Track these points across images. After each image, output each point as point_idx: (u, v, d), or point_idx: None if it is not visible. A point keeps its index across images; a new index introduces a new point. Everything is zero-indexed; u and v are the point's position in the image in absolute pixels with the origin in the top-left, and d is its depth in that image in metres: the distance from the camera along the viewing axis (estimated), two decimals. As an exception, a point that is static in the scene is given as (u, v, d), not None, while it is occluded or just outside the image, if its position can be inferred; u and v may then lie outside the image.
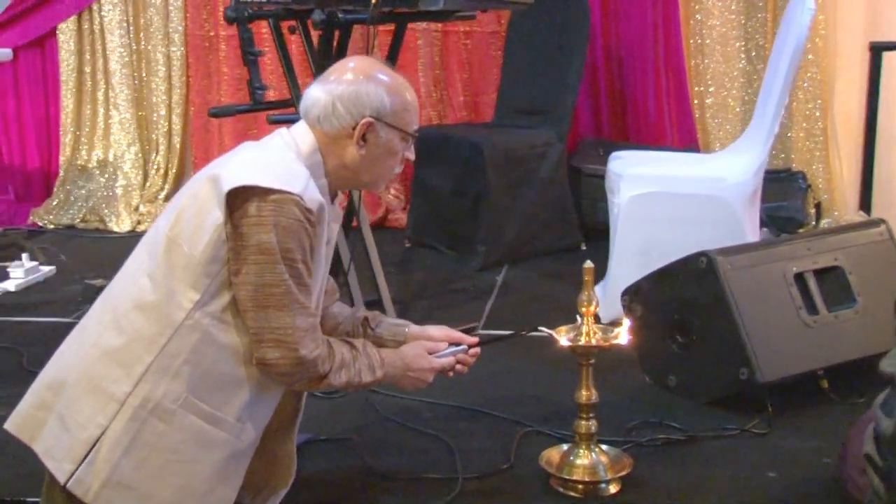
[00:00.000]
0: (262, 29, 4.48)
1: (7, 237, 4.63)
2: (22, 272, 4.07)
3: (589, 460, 2.43)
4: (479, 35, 5.17)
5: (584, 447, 2.45)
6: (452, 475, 2.49)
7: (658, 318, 3.00)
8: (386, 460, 2.58)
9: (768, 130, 3.51)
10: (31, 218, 5.14)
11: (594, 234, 4.53)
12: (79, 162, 5.31)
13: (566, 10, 4.65)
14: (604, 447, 2.49)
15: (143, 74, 5.32)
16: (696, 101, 5.11)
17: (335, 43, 3.20)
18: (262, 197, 1.89)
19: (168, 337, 1.92)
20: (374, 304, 3.44)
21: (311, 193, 1.95)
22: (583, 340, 2.38)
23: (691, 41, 5.07)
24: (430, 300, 3.98)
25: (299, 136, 2.05)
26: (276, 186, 1.90)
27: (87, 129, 5.33)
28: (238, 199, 1.90)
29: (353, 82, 2.03)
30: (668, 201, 3.51)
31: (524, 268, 4.34)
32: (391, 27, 3.47)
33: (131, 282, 1.99)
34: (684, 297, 2.92)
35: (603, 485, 2.42)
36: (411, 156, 2.15)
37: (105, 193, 5.22)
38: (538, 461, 2.49)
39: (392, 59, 3.43)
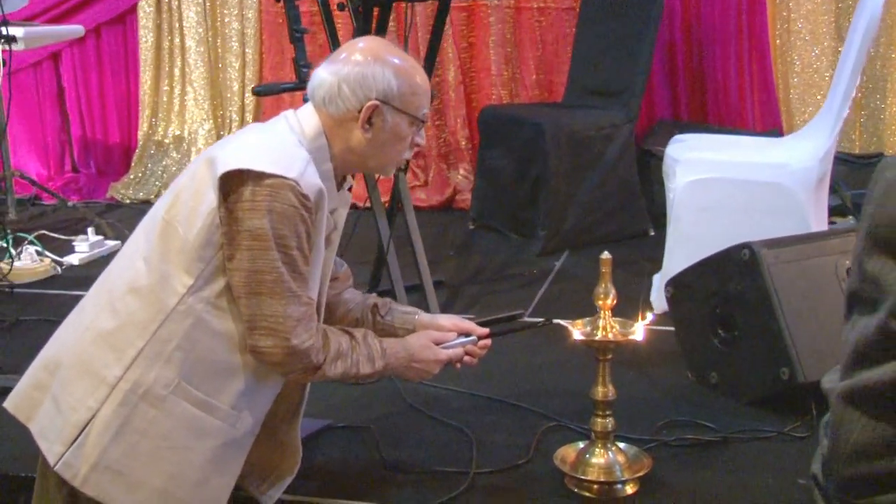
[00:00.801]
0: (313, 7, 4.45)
1: (76, 211, 4.72)
2: (87, 246, 4.15)
3: (605, 459, 2.33)
4: (553, 11, 5.04)
5: (600, 446, 2.34)
6: (464, 469, 2.42)
7: (701, 311, 2.86)
8: (401, 451, 2.53)
9: (836, 114, 3.30)
10: (109, 192, 5.25)
11: (665, 221, 4.36)
12: (155, 138, 5.40)
13: (638, -15, 4.49)
14: (622, 446, 2.38)
15: (218, 51, 5.36)
16: (780, 82, 4.89)
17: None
18: (257, 181, 1.85)
19: (160, 322, 1.90)
20: (416, 288, 3.38)
21: (309, 178, 1.89)
22: (599, 335, 2.28)
23: (777, 17, 4.84)
24: (483, 285, 3.90)
25: (304, 118, 2.00)
26: (272, 171, 1.85)
27: (164, 105, 5.41)
28: (233, 183, 1.87)
29: (359, 63, 1.97)
30: (726, 188, 3.34)
31: (586, 254, 4.20)
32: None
33: (128, 264, 1.98)
34: (727, 290, 2.77)
35: (619, 485, 2.31)
36: (421, 141, 2.08)
37: (179, 169, 5.29)
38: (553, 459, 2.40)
39: (436, 37, 3.35)
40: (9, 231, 4.12)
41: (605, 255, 2.28)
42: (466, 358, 2.23)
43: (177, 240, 1.91)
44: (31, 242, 4.02)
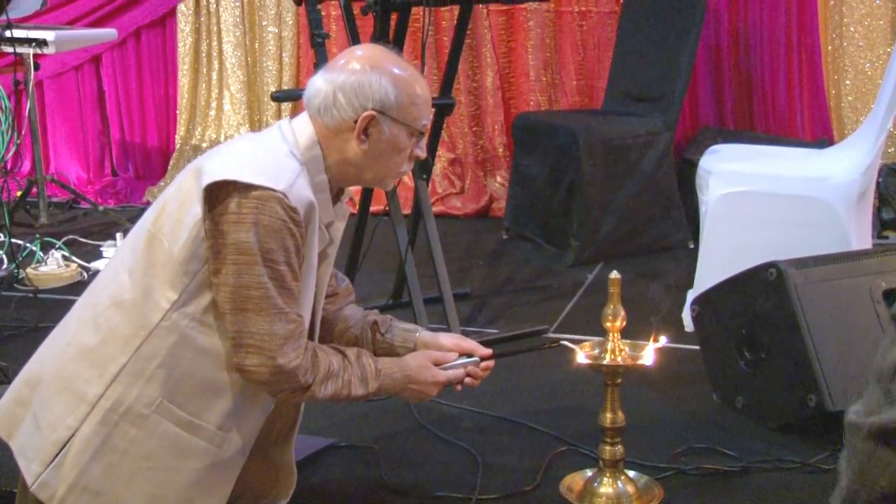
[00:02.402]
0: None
1: (108, 215, 4.72)
2: (114, 252, 4.13)
3: (613, 489, 2.22)
4: (595, 15, 4.90)
5: (608, 474, 2.23)
6: (467, 495, 2.32)
7: (727, 331, 2.73)
8: (404, 473, 2.44)
9: (880, 125, 3.13)
10: (145, 196, 5.24)
11: (705, 233, 4.22)
12: (192, 142, 5.38)
13: (680, -12, 4.34)
14: (632, 474, 2.27)
15: (256, 55, 5.33)
16: (831, 89, 4.71)
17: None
18: (244, 193, 1.78)
19: (143, 338, 1.83)
20: (436, 300, 3.28)
21: (299, 191, 1.82)
22: (607, 359, 2.17)
23: (829, 21, 4.65)
24: (511, 296, 3.80)
25: (298, 128, 1.92)
26: (259, 182, 1.78)
27: (201, 109, 5.39)
28: (219, 194, 1.79)
29: (357, 72, 1.89)
30: (761, 201, 3.19)
31: (621, 266, 3.92)
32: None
33: (112, 277, 1.91)
34: (753, 310, 2.64)
35: (627, 517, 2.20)
36: (421, 153, 1.98)
37: (215, 174, 5.27)
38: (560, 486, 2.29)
39: (458, 42, 3.26)
40: (38, 235, 4.12)
41: (614, 274, 2.17)
42: (467, 380, 2.12)
43: (161, 253, 1.84)
44: (59, 248, 4.00)
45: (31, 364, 1.98)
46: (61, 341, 1.93)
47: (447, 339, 2.18)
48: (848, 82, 4.69)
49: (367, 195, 3.42)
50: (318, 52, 3.22)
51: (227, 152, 1.91)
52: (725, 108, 4.85)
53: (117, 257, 1.96)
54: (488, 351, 2.16)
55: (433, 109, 3.49)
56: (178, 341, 1.83)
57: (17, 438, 1.92)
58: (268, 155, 1.86)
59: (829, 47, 4.70)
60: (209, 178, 1.79)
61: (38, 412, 1.88)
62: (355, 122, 1.88)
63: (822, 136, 4.69)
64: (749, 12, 4.77)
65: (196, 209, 1.81)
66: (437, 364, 2.09)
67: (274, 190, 1.78)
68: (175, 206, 1.85)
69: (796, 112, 4.77)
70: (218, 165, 1.82)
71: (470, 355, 2.14)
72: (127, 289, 1.86)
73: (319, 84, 1.91)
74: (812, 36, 4.70)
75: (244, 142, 1.99)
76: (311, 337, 2.00)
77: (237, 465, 1.97)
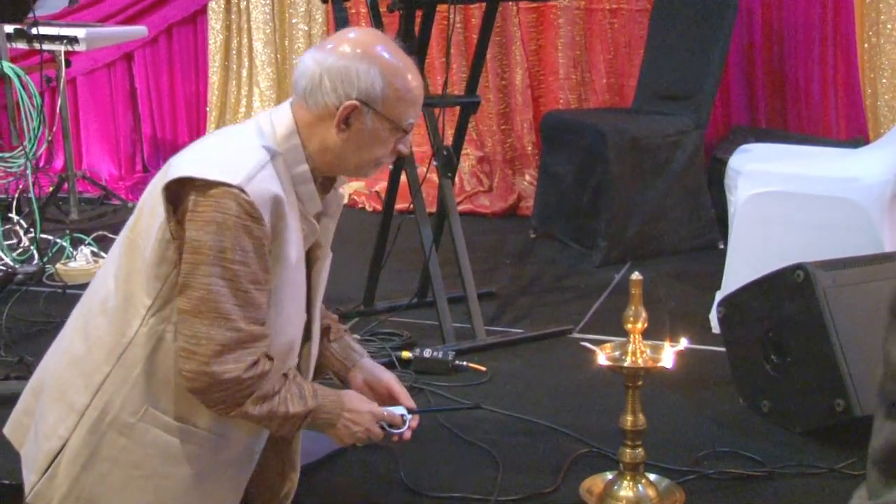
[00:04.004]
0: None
1: (130, 211, 4.74)
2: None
3: (633, 493, 2.19)
4: (626, 13, 4.86)
5: (628, 477, 2.20)
6: (486, 496, 2.30)
7: (753, 334, 2.68)
8: (423, 474, 2.42)
9: (914, 124, 3.07)
10: (176, 192, 5.26)
11: (736, 233, 4.16)
12: (222, 138, 5.39)
13: (712, -15, 4.29)
14: (653, 478, 2.24)
15: (286, 52, 5.33)
16: (867, 88, 4.62)
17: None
18: (202, 190, 1.70)
19: (125, 346, 1.79)
20: (461, 300, 3.26)
21: (259, 184, 1.71)
22: (628, 361, 2.13)
23: (865, 18, 4.57)
24: (537, 296, 3.77)
25: (277, 117, 1.84)
26: (214, 178, 1.69)
27: (231, 106, 5.40)
28: (181, 193, 1.73)
29: (346, 56, 1.79)
30: (791, 202, 3.14)
31: (649, 266, 3.98)
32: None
33: (101, 283, 1.87)
34: (780, 313, 2.59)
35: (647, 521, 2.17)
36: (405, 149, 1.90)
37: (244, 170, 5.28)
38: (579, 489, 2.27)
39: (483, 40, 3.23)
40: (68, 231, 4.15)
41: (636, 275, 2.14)
42: (406, 432, 2.02)
43: (138, 258, 1.79)
44: (88, 244, 4.03)
45: (37, 372, 1.96)
46: (59, 349, 1.91)
47: (385, 373, 2.11)
48: (884, 80, 4.60)
49: (392, 193, 3.40)
50: (343, 49, 3.21)
51: (194, 149, 1.83)
52: (758, 106, 4.79)
53: (107, 262, 1.91)
54: (411, 404, 2.07)
55: (458, 108, 3.48)
56: (156, 346, 1.78)
57: (24, 448, 1.92)
58: (231, 148, 1.78)
59: (866, 45, 4.62)
60: (168, 177, 1.73)
61: (38, 422, 1.87)
62: (337, 108, 1.79)
63: (857, 135, 4.61)
64: (783, 9, 4.70)
65: (161, 210, 1.74)
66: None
67: (230, 185, 1.69)
68: (149, 209, 1.80)
69: (831, 111, 4.69)
70: (180, 164, 1.75)
71: (395, 402, 2.06)
72: (112, 295, 1.82)
73: (308, 63, 1.82)
74: (848, 33, 4.62)
75: (214, 137, 1.91)
76: (307, 338, 1.95)
77: (237, 468, 1.93)
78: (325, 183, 1.91)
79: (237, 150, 1.77)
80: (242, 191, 1.69)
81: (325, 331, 2.10)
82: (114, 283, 1.82)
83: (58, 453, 1.81)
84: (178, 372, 1.76)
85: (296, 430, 1.90)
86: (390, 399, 2.07)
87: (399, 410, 2.02)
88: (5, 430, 1.97)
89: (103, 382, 1.79)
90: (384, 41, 1.85)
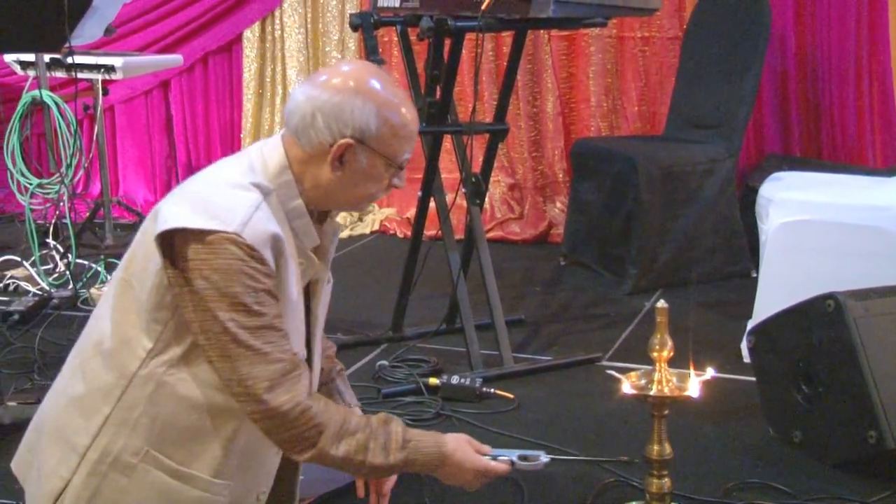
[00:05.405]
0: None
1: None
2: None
3: (659, 524, 2.16)
4: (657, 41, 4.84)
5: (654, 509, 2.17)
6: (509, 525, 2.29)
7: (784, 364, 2.66)
8: (448, 497, 2.41)
9: (949, 153, 3.03)
10: (209, 219, 5.31)
11: (769, 262, 4.12)
12: (256, 166, 5.44)
13: (744, 12, 4.27)
14: (680, 510, 2.21)
15: (319, 80, 5.37)
16: (904, 116, 4.58)
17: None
18: (198, 239, 1.67)
19: (123, 388, 1.76)
20: (487, 327, 3.26)
21: (256, 226, 1.68)
22: (654, 390, 2.11)
23: (901, 46, 4.54)
24: (566, 323, 3.75)
25: (268, 152, 1.80)
26: (208, 227, 1.66)
27: (265, 133, 5.44)
28: (175, 242, 1.70)
29: (340, 91, 1.74)
30: (823, 231, 3.11)
31: (680, 295, 3.97)
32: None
33: (95, 324, 1.85)
34: (811, 342, 2.56)
35: (673, 553, 2.14)
36: (400, 184, 1.85)
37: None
38: (605, 519, 2.25)
39: (512, 68, 3.24)
40: (102, 257, 4.20)
41: (662, 303, 2.11)
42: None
43: (133, 300, 1.77)
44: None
45: (40, 409, 1.94)
46: (57, 389, 1.89)
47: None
48: (920, 109, 4.56)
49: (420, 219, 3.41)
50: (373, 77, 3.23)
51: (181, 195, 1.79)
52: (792, 135, 4.75)
53: (102, 302, 1.87)
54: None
55: (487, 135, 3.49)
56: (156, 389, 1.76)
57: (28, 484, 1.91)
58: (220, 193, 1.74)
59: (902, 70, 4.58)
60: (161, 227, 1.70)
61: (40, 461, 1.86)
62: (331, 146, 1.75)
63: (893, 164, 4.56)
64: (816, 36, 4.67)
65: (156, 256, 1.72)
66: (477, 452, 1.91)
67: (226, 232, 1.66)
68: (142, 252, 1.77)
69: (866, 139, 4.64)
70: (171, 211, 1.72)
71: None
72: (107, 336, 1.79)
73: (300, 99, 1.77)
74: (883, 60, 4.57)
75: (203, 178, 1.84)
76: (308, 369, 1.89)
77: None
78: (321, 215, 1.88)
79: (225, 195, 1.73)
80: (239, 235, 1.67)
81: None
82: (109, 325, 1.79)
83: (60, 494, 1.79)
84: (186, 417, 1.76)
85: (384, 476, 1.88)
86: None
87: (509, 455, 1.94)
88: (12, 465, 1.96)
89: (104, 424, 1.77)
90: (377, 74, 1.80)
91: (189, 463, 1.79)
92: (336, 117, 1.74)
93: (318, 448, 1.74)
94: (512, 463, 1.94)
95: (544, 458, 1.98)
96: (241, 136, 5.50)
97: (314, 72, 1.86)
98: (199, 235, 1.67)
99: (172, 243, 1.70)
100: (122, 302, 1.78)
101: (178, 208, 1.71)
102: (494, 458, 1.92)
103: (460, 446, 1.88)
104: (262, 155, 1.80)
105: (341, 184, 1.79)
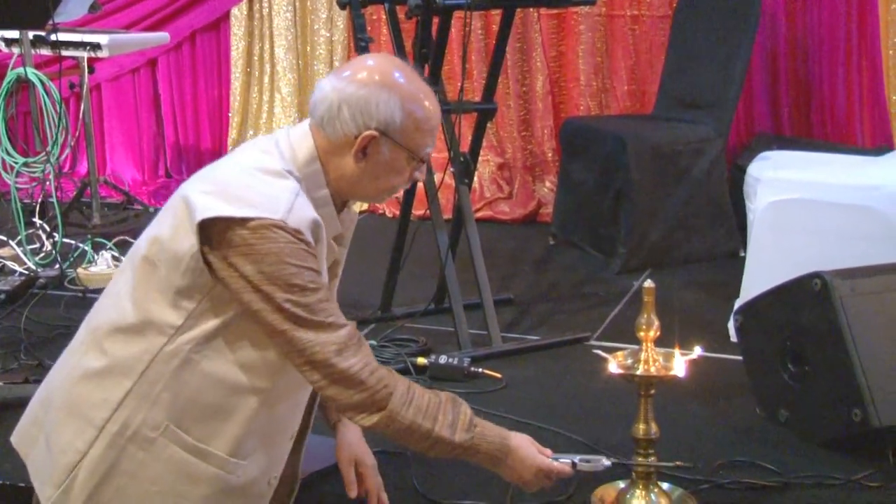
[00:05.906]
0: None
1: (152, 216, 4.76)
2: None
3: (646, 502, 2.17)
4: (648, 20, 4.83)
5: (641, 486, 2.18)
6: (497, 504, 2.29)
7: (771, 343, 2.66)
8: (436, 481, 2.40)
9: (937, 132, 3.03)
10: (197, 198, 5.29)
11: (757, 241, 4.12)
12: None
13: (735, -8, 4.26)
14: (666, 486, 2.22)
15: (307, 58, 5.35)
16: (892, 95, 4.57)
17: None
18: (243, 225, 1.71)
19: (147, 363, 1.79)
20: (476, 306, 3.26)
21: (298, 212, 1.74)
22: (640, 369, 2.12)
23: (890, 25, 4.53)
24: (555, 303, 3.75)
25: (297, 141, 1.84)
26: (254, 214, 1.71)
27: (253, 112, 5.43)
28: (216, 228, 1.73)
29: (366, 84, 1.79)
30: (811, 210, 3.10)
31: (669, 274, 3.98)
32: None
33: (114, 301, 1.86)
34: (798, 322, 2.57)
35: (660, 531, 2.15)
36: (421, 177, 1.92)
37: (266, 176, 5.29)
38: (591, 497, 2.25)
39: (501, 47, 3.23)
40: (89, 236, 4.17)
41: (649, 283, 2.12)
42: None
43: (158, 280, 1.79)
44: (109, 248, 4.05)
45: (45, 383, 1.96)
46: (68, 364, 1.91)
47: (369, 458, 2.16)
48: (909, 90, 4.56)
49: (408, 198, 3.41)
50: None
51: (215, 181, 1.82)
52: (782, 114, 4.75)
53: (119, 280, 1.89)
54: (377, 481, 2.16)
55: (476, 114, 3.48)
56: (181, 365, 1.79)
57: (32, 460, 1.92)
58: (258, 182, 1.78)
59: (891, 51, 4.56)
60: (202, 214, 1.72)
61: (50, 435, 1.87)
62: (356, 137, 1.80)
63: (882, 143, 4.57)
64: (807, 16, 4.67)
65: (191, 240, 1.74)
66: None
67: (272, 219, 1.72)
68: (169, 235, 1.78)
69: (856, 119, 4.65)
70: (208, 198, 1.75)
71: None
72: (129, 314, 1.81)
73: (327, 90, 1.82)
74: (873, 40, 4.57)
75: (233, 166, 1.87)
76: None
77: (258, 492, 1.93)
78: (341, 204, 1.92)
79: (264, 183, 1.77)
80: (285, 222, 1.72)
81: None
82: (129, 303, 1.81)
83: (75, 466, 1.81)
84: (208, 394, 1.79)
85: (444, 456, 1.88)
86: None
87: (571, 458, 1.97)
88: (12, 439, 1.97)
89: (124, 398, 1.79)
90: (401, 67, 1.85)
91: (207, 440, 1.82)
92: (362, 110, 1.78)
93: (388, 410, 1.78)
94: (574, 464, 1.97)
95: (605, 461, 2.02)
96: (229, 114, 5.48)
97: (340, 65, 1.90)
98: (243, 222, 1.71)
99: (212, 230, 1.72)
100: (145, 280, 1.80)
101: (215, 196, 1.74)
102: (556, 459, 1.96)
103: (524, 444, 1.94)
104: (290, 142, 1.84)
105: (364, 175, 1.83)
